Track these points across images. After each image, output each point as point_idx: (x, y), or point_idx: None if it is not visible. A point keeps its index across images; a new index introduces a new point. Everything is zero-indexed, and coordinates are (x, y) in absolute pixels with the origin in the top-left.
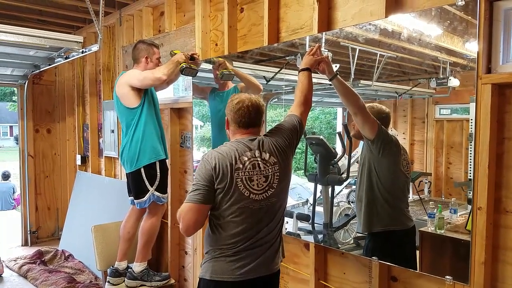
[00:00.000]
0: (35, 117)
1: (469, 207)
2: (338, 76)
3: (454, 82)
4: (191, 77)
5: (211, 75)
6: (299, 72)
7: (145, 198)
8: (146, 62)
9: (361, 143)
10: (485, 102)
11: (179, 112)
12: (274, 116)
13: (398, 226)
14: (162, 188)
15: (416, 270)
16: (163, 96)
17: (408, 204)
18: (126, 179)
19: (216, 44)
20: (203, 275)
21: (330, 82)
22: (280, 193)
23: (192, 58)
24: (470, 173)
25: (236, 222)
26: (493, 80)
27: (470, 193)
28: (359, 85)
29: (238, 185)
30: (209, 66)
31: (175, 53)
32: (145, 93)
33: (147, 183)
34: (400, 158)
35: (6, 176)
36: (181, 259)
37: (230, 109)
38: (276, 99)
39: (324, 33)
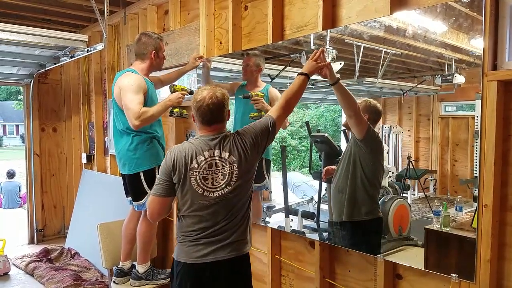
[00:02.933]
0: (41, 116)
1: (475, 204)
2: (340, 81)
3: (459, 79)
4: (195, 73)
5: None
6: (297, 74)
7: (143, 201)
8: (153, 57)
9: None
10: (491, 99)
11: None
12: None
13: (374, 215)
14: None
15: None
16: (167, 94)
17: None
18: (122, 179)
19: (221, 42)
20: (174, 255)
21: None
22: (238, 189)
23: (191, 92)
24: (475, 171)
25: (191, 216)
26: (499, 77)
27: (475, 190)
28: (364, 82)
29: (192, 184)
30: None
31: (175, 90)
32: (146, 96)
33: (146, 186)
34: (383, 154)
35: (11, 175)
36: None
37: (193, 106)
38: None
39: (328, 30)
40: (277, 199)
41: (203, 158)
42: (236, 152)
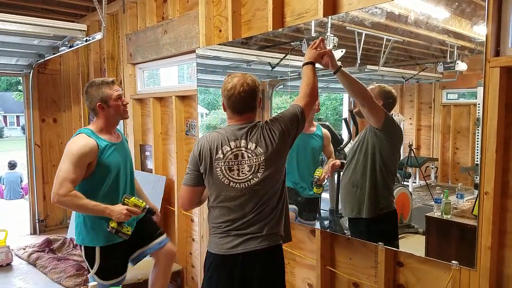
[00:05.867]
0: (41, 106)
1: (476, 192)
2: (342, 69)
3: (461, 66)
4: (195, 67)
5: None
6: (303, 66)
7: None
8: (103, 109)
9: (360, 134)
10: (493, 86)
11: (184, 100)
12: (280, 103)
13: (391, 207)
14: (104, 274)
15: (423, 254)
16: (168, 83)
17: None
18: None
19: (220, 30)
20: (207, 247)
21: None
22: (265, 180)
23: (151, 212)
24: (477, 158)
25: (220, 207)
26: (501, 63)
27: (477, 178)
28: (366, 70)
29: (218, 174)
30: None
31: (124, 203)
32: (95, 162)
33: (87, 264)
34: (402, 140)
35: (12, 166)
36: (189, 246)
37: (224, 95)
38: (282, 86)
39: (329, 17)
40: None
41: (228, 149)
42: (263, 143)
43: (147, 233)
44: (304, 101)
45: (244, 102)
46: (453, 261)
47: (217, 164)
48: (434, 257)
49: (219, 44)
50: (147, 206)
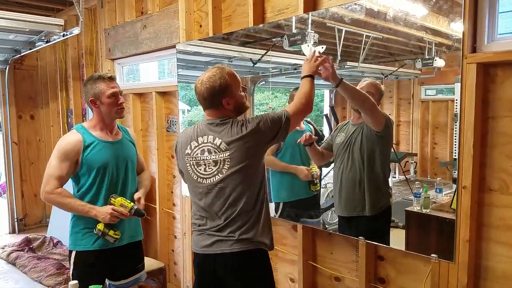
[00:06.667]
0: (17, 103)
1: (454, 186)
2: (343, 81)
3: (439, 62)
4: (175, 63)
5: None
6: (301, 79)
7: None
8: (97, 106)
9: (350, 128)
10: (470, 82)
11: (165, 96)
12: (261, 99)
13: (388, 203)
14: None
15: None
16: (148, 79)
17: None
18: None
19: (200, 26)
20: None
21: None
22: (231, 178)
23: (140, 213)
24: (455, 153)
25: (194, 204)
26: (478, 60)
27: (455, 172)
28: (346, 66)
29: (188, 169)
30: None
31: (111, 203)
32: (80, 159)
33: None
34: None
35: None
36: (170, 243)
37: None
38: (263, 82)
39: (310, 13)
40: None
41: (196, 144)
42: (229, 139)
43: (127, 264)
44: (295, 108)
45: (204, 99)
46: (433, 255)
47: (187, 159)
48: (414, 250)
49: (199, 40)
50: (135, 207)
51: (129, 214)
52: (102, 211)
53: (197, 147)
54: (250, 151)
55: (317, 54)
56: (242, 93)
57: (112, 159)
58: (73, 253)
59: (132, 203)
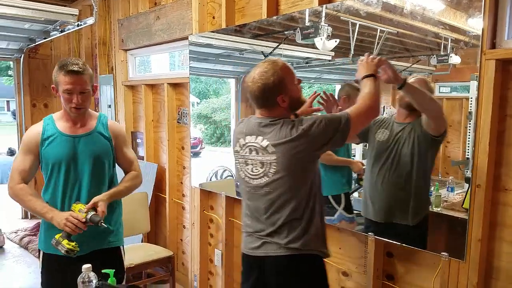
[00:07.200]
0: (31, 91)
1: (466, 185)
2: (408, 82)
3: (455, 59)
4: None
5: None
6: (361, 80)
7: None
8: (58, 95)
9: (395, 126)
10: (489, 78)
11: (176, 88)
12: None
13: (428, 210)
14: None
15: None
16: (159, 71)
17: None
18: None
19: (213, 17)
20: None
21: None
22: (276, 183)
23: (93, 221)
24: (467, 152)
25: (243, 199)
26: (497, 56)
27: (467, 171)
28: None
29: (237, 166)
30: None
31: (72, 209)
32: (40, 152)
33: None
34: None
35: (11, 152)
36: (179, 232)
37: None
38: None
39: (324, 6)
40: None
41: (244, 142)
42: (277, 142)
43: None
44: (358, 111)
45: (257, 99)
46: (443, 253)
47: (236, 156)
48: (424, 248)
49: (212, 31)
50: (89, 217)
51: (85, 224)
52: (59, 216)
53: (245, 146)
54: (299, 156)
55: (367, 57)
56: (298, 86)
57: (70, 156)
58: (41, 252)
59: (85, 214)
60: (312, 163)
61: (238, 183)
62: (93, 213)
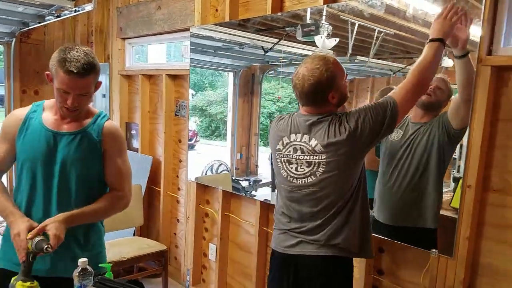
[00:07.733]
0: (22, 77)
1: (453, 185)
2: (468, 55)
3: (448, 62)
4: (188, 46)
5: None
6: (427, 43)
7: None
8: (51, 83)
9: (409, 126)
10: (484, 84)
11: (175, 79)
12: (268, 88)
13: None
14: None
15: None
16: (155, 61)
17: None
18: None
19: (217, 10)
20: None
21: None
22: (324, 183)
23: (40, 249)
24: (455, 153)
25: (281, 198)
26: (493, 62)
27: (453, 171)
28: (356, 61)
29: (278, 165)
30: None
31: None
32: (16, 143)
33: None
34: None
35: None
36: (173, 226)
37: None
38: (273, 71)
39: (325, 5)
40: (263, 173)
41: (289, 141)
42: (326, 141)
43: None
44: (403, 91)
45: (306, 96)
46: (433, 250)
47: (277, 155)
48: (414, 244)
49: (214, 24)
50: (34, 245)
51: (24, 257)
52: (16, 226)
53: (289, 145)
54: (348, 155)
55: (452, 10)
56: (347, 81)
57: (44, 155)
58: None
59: (31, 245)
60: (360, 159)
61: (277, 181)
62: (40, 238)
